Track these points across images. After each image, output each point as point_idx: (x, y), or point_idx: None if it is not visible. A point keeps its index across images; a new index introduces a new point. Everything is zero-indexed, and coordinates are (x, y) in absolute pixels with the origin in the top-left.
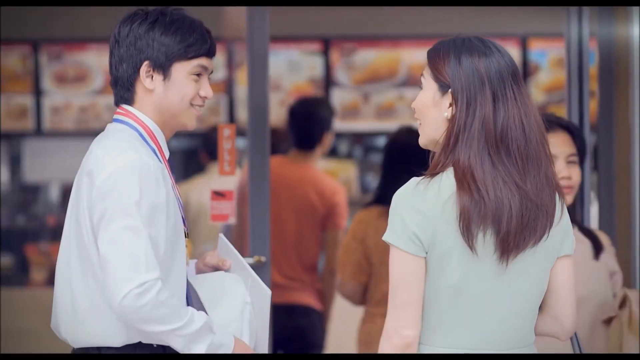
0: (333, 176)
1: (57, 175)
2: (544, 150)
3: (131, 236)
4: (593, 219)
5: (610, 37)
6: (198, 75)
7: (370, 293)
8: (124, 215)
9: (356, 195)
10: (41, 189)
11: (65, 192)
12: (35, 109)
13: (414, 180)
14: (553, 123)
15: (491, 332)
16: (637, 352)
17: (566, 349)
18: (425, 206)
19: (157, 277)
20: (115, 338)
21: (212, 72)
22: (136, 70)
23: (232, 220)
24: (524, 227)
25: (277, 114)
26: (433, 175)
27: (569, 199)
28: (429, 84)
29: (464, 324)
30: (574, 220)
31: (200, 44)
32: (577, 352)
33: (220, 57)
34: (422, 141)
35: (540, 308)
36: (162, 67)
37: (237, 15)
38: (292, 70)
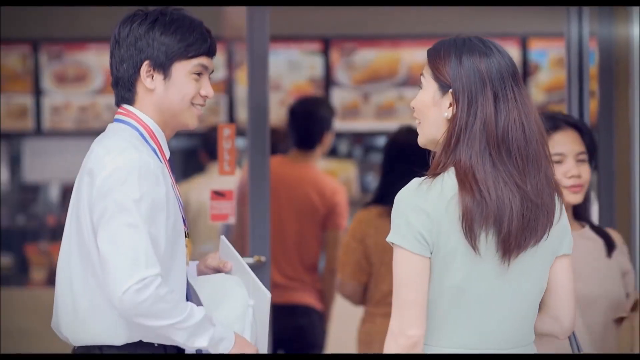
0: (333, 176)
1: (57, 175)
2: (543, 150)
3: (131, 233)
4: (593, 218)
5: (610, 37)
6: (198, 74)
7: (370, 293)
8: (124, 213)
9: (356, 195)
10: (41, 189)
11: (65, 192)
12: (35, 108)
13: (416, 180)
14: (561, 121)
15: (492, 331)
16: None
17: (565, 347)
18: (429, 206)
19: (157, 273)
20: (116, 337)
21: (212, 71)
22: (137, 70)
23: (231, 220)
24: (524, 227)
25: (277, 114)
26: (435, 175)
27: (579, 197)
28: (429, 83)
29: (466, 324)
30: (585, 219)
31: (200, 43)
32: (576, 351)
33: (220, 57)
34: (422, 141)
35: (539, 307)
36: (163, 66)
37: (237, 15)
38: (292, 70)
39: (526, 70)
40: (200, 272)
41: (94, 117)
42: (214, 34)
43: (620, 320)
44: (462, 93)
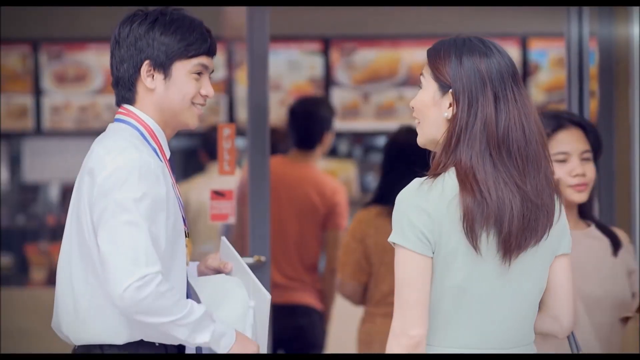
0: (333, 176)
1: (56, 175)
2: (543, 151)
3: (131, 231)
4: None
5: (610, 37)
6: (199, 74)
7: (370, 293)
8: (124, 212)
9: (356, 195)
10: (41, 189)
11: (65, 192)
12: (35, 108)
13: (417, 181)
14: (565, 120)
15: (493, 331)
16: None
17: (565, 347)
18: (430, 206)
19: (157, 271)
20: (117, 336)
21: (213, 71)
22: (137, 70)
23: (231, 220)
24: (525, 228)
25: (277, 114)
26: (435, 175)
27: (584, 196)
28: (428, 83)
29: (467, 324)
30: (590, 217)
31: (200, 42)
32: (575, 351)
33: (220, 57)
34: (421, 140)
35: (539, 307)
36: (163, 66)
37: (237, 15)
38: (292, 70)
39: (526, 70)
40: (201, 273)
41: (93, 117)
42: (214, 34)
43: (625, 320)
44: (463, 93)
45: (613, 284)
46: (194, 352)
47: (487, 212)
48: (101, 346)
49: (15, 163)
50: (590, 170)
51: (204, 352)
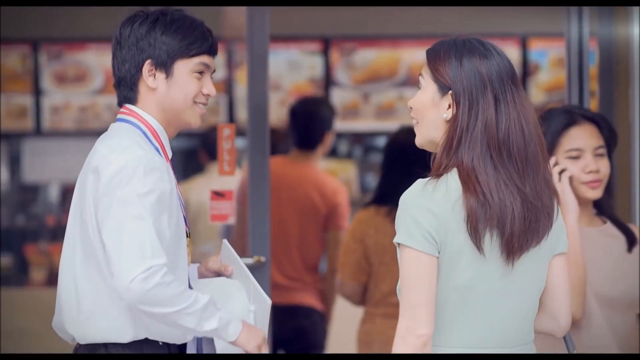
0: (333, 176)
1: (56, 175)
2: (541, 153)
3: (137, 224)
4: None
5: (610, 37)
6: (200, 73)
7: (370, 293)
8: (129, 207)
9: (356, 195)
10: (41, 189)
11: (65, 192)
12: (35, 108)
13: (420, 181)
14: (578, 115)
15: (496, 331)
16: None
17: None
18: (435, 206)
19: (163, 263)
20: (122, 334)
21: (214, 71)
22: (139, 70)
23: (231, 220)
24: (526, 229)
25: (277, 114)
26: (438, 176)
27: (598, 193)
28: (428, 84)
29: (472, 324)
30: (607, 213)
31: (202, 41)
32: (571, 350)
33: (220, 57)
34: (419, 141)
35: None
36: (165, 65)
37: (237, 15)
38: (292, 70)
39: (526, 70)
40: (201, 275)
41: (93, 117)
42: (214, 34)
43: None
44: (463, 95)
45: (628, 282)
46: (194, 352)
47: (490, 213)
48: (105, 345)
49: (15, 163)
50: (604, 166)
51: (204, 351)
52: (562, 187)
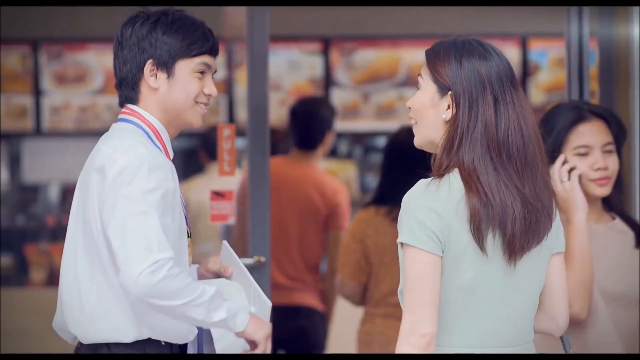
0: (333, 176)
1: (56, 175)
2: (540, 154)
3: (142, 220)
4: None
5: (610, 37)
6: (202, 73)
7: (370, 293)
8: (134, 203)
9: (356, 195)
10: (40, 189)
11: (65, 192)
12: (35, 108)
13: (423, 181)
14: (586, 111)
15: (497, 331)
16: None
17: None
18: (439, 206)
19: (169, 257)
20: (125, 334)
21: (216, 71)
22: (140, 70)
23: (231, 221)
24: (527, 230)
25: (277, 114)
26: (440, 176)
27: (606, 190)
28: (427, 84)
29: (475, 324)
30: (616, 209)
31: (203, 41)
32: (568, 350)
33: (220, 57)
34: (418, 141)
35: None
36: (166, 65)
37: (237, 15)
38: (292, 70)
39: (526, 70)
40: (201, 276)
41: (93, 117)
42: (214, 34)
43: None
44: (463, 96)
45: (634, 279)
46: (195, 351)
47: (492, 213)
48: (108, 345)
49: (15, 163)
50: (613, 162)
51: (204, 351)
52: (572, 186)
